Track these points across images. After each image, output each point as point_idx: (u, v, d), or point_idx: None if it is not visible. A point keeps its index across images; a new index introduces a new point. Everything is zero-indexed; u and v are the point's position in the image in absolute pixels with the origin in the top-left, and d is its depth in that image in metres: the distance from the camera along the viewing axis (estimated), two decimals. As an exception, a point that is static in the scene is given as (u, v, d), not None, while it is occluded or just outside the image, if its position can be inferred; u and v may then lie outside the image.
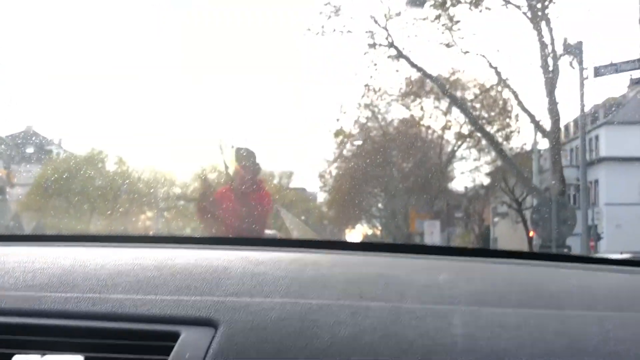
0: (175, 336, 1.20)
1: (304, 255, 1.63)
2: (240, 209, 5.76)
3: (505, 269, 1.57)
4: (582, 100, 16.43)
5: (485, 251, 1.92)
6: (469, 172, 31.30)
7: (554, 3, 17.76)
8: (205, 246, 1.87)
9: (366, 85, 22.51)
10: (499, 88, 21.62)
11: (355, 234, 40.47)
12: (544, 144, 20.52)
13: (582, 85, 15.91)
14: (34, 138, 24.67)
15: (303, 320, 1.21)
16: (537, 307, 1.27)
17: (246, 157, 5.94)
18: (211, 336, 1.19)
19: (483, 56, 19.32)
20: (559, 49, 16.92)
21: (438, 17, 19.16)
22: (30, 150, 24.31)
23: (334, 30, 20.30)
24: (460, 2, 18.99)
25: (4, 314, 1.26)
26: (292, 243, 2.05)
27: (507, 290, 1.36)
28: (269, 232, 14.04)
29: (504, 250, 1.82)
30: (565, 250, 15.02)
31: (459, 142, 28.80)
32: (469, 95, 23.68)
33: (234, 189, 5.92)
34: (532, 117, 19.01)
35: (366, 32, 20.11)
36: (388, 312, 1.23)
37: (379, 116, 28.11)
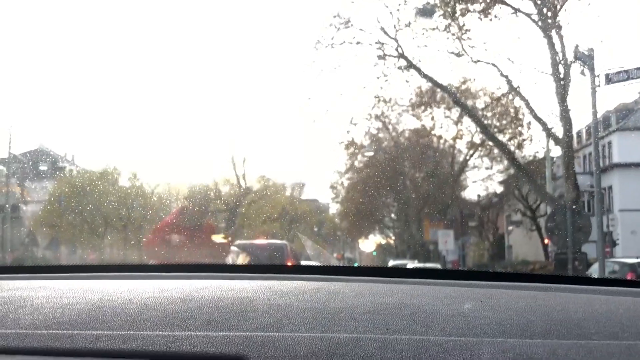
0: None
1: (327, 285, 1.64)
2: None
3: (528, 296, 1.57)
4: (594, 107, 16.38)
5: (505, 275, 1.91)
6: (482, 180, 31.25)
7: (565, 11, 17.76)
8: (228, 275, 1.88)
9: (376, 97, 22.56)
10: (510, 96, 21.62)
11: (368, 244, 40.39)
12: (556, 151, 20.49)
13: (593, 92, 15.86)
14: (46, 155, 24.84)
15: (332, 355, 1.21)
16: (563, 337, 1.27)
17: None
18: None
19: (494, 65, 19.36)
20: (570, 57, 16.92)
21: (448, 26, 19.21)
22: (43, 167, 24.47)
23: (344, 42, 20.39)
24: (469, 12, 19.02)
25: (37, 353, 1.28)
26: (314, 270, 2.06)
27: (532, 319, 1.36)
28: (277, 242, 13.84)
29: (525, 274, 1.82)
30: (582, 256, 14.93)
31: (471, 151, 28.78)
32: (480, 104, 23.70)
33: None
34: (544, 124, 18.99)
35: (376, 43, 20.18)
36: (415, 345, 1.24)
37: (390, 127, 28.15)
